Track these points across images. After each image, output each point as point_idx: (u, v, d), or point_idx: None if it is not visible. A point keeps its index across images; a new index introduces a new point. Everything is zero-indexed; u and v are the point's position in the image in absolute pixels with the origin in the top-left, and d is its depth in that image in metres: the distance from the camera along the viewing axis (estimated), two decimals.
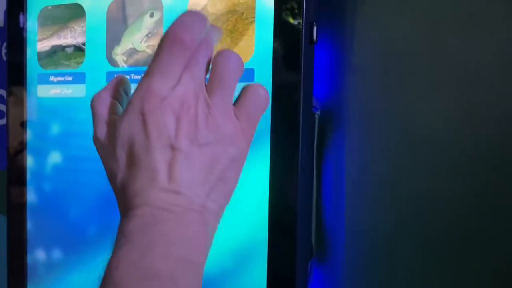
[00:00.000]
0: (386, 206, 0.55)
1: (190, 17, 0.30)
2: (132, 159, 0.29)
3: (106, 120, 0.31)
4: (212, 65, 0.31)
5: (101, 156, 0.32)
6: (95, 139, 0.32)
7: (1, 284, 0.73)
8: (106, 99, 0.32)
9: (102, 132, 0.31)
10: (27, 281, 0.66)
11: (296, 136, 0.49)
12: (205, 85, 0.30)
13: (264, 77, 0.49)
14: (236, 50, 0.50)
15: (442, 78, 0.51)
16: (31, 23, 0.64)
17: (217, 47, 0.51)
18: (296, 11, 0.48)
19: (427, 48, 0.51)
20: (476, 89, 0.49)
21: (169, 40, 0.29)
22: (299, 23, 0.48)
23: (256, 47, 0.50)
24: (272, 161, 0.50)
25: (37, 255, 0.66)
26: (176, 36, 0.29)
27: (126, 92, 0.34)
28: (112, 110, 0.32)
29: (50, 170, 0.64)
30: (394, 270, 0.55)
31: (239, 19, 0.50)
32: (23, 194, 0.66)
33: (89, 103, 0.33)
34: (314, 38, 0.49)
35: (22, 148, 0.66)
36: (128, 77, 0.50)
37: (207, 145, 0.29)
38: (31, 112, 0.65)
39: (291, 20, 0.48)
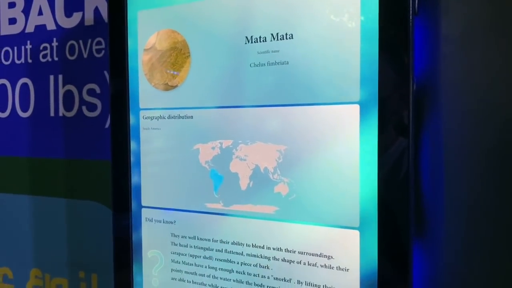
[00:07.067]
0: (486, 180, 0.55)
1: None
2: None
3: None
4: None
5: None
6: None
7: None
8: None
9: None
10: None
11: (407, 112, 0.52)
12: None
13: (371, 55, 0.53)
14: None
15: None
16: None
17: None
18: None
19: None
20: None
21: None
22: None
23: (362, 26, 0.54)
24: (380, 135, 0.53)
25: None
26: None
27: None
28: None
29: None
30: (494, 245, 0.56)
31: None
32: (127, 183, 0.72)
33: None
34: (416, 9, 0.52)
35: (126, 138, 0.71)
36: None
37: None
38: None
39: None
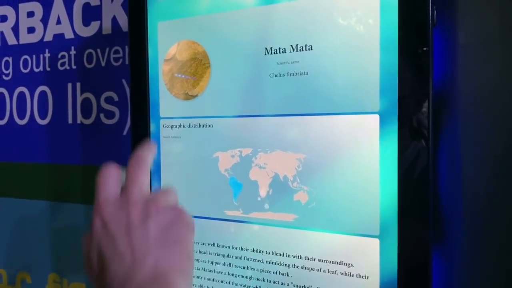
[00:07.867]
0: (505, 188, 0.57)
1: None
2: (102, 260, 0.38)
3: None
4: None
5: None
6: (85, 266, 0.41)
7: None
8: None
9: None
10: None
11: (426, 122, 0.53)
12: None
13: (390, 66, 0.54)
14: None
15: None
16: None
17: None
18: None
19: None
20: None
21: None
22: (425, 6, 0.52)
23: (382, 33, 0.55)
24: (400, 145, 0.54)
25: None
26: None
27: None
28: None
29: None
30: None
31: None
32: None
33: None
34: (435, 20, 0.53)
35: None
36: None
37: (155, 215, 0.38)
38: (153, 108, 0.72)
39: (417, 4, 0.53)
